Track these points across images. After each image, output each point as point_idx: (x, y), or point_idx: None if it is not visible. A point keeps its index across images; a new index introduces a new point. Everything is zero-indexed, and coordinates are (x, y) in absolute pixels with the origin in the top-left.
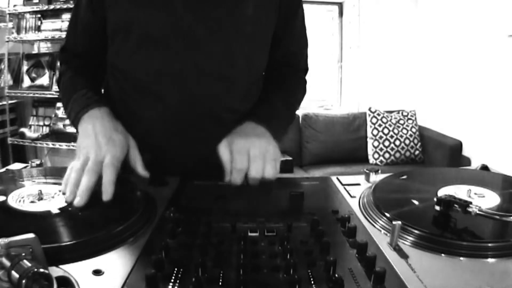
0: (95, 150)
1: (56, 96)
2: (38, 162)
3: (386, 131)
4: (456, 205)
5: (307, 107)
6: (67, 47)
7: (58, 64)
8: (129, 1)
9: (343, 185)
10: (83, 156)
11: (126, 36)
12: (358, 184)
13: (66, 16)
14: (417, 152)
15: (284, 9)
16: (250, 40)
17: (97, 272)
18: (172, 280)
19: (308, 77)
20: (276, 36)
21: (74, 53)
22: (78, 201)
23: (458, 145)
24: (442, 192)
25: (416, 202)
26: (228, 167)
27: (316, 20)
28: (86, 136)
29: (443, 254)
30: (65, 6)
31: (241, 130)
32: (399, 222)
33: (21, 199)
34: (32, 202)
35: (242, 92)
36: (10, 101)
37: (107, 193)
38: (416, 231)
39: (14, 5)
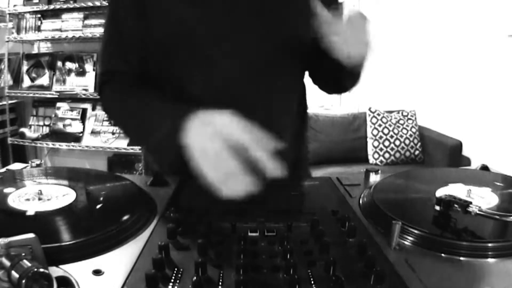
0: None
1: (56, 96)
2: (38, 162)
3: (386, 131)
4: (456, 205)
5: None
6: (110, 69)
7: (99, 92)
8: (177, 5)
9: (343, 185)
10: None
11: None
12: (358, 184)
13: (66, 16)
14: (417, 152)
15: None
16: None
17: (97, 272)
18: (172, 280)
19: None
20: None
21: (119, 72)
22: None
23: (458, 145)
24: (442, 192)
25: (416, 202)
26: None
27: None
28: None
29: (443, 254)
30: (65, 6)
31: None
32: (399, 222)
33: (21, 199)
34: (32, 202)
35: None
36: (10, 101)
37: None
38: (416, 231)
39: (14, 5)
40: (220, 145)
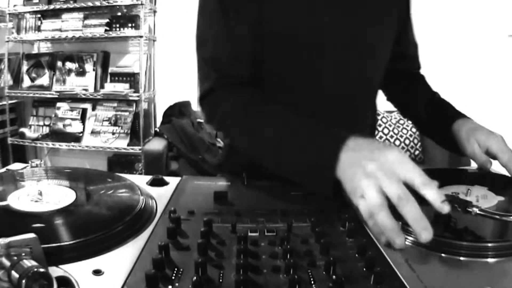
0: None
1: (56, 96)
2: (38, 162)
3: (386, 131)
4: (456, 205)
5: None
6: (227, 72)
7: (207, 95)
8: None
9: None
10: (370, 189)
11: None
12: None
13: (66, 16)
14: (417, 152)
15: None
16: (388, 40)
17: (97, 272)
18: (172, 280)
19: None
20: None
21: (236, 77)
22: (427, 235)
23: None
24: (442, 192)
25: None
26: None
27: None
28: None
29: (443, 254)
30: (65, 6)
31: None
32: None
33: (21, 199)
34: (32, 202)
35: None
36: (10, 101)
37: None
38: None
39: (14, 5)
40: (380, 196)
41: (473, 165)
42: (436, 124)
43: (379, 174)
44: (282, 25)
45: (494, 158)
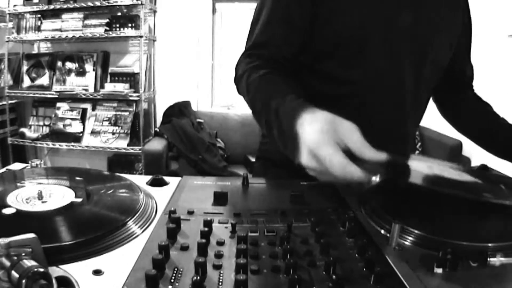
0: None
1: (56, 96)
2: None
3: None
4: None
5: None
6: (269, 44)
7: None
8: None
9: (343, 185)
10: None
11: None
12: (359, 184)
13: (66, 16)
14: (417, 152)
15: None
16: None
17: (97, 272)
18: (172, 280)
19: None
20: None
21: (279, 57)
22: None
23: (458, 145)
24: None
25: (416, 202)
26: None
27: None
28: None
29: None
30: (65, 6)
31: None
32: (399, 222)
33: (21, 199)
34: (32, 202)
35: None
36: (10, 101)
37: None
38: (416, 231)
39: (14, 5)
40: (333, 152)
41: (473, 165)
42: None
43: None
44: (355, 24)
45: None
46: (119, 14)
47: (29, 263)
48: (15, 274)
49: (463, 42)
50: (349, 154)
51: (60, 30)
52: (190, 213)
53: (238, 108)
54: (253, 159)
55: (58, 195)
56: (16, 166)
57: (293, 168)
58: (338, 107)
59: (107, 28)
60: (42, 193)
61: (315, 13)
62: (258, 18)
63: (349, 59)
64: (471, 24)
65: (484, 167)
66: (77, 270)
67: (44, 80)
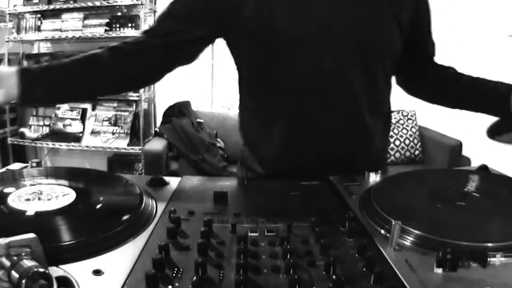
0: None
1: None
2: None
3: None
4: None
5: None
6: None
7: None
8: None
9: (343, 185)
10: None
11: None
12: (358, 184)
13: (66, 16)
14: (417, 152)
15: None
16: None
17: (97, 272)
18: (172, 280)
19: None
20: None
21: (158, 33)
22: None
23: (458, 145)
24: None
25: (416, 202)
26: None
27: None
28: None
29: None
30: (65, 6)
31: None
32: (399, 222)
33: (21, 199)
34: (32, 202)
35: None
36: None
37: None
38: (416, 231)
39: (14, 5)
40: None
41: (473, 165)
42: (491, 98)
43: None
44: (293, 33)
45: None
46: (119, 14)
47: (29, 263)
48: (15, 274)
49: (420, 23)
50: None
51: (60, 30)
52: (190, 213)
53: None
54: None
55: (58, 195)
56: (16, 166)
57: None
58: (294, 98)
59: (107, 28)
60: (42, 193)
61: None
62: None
63: (297, 70)
64: (427, 3)
65: (484, 167)
66: (77, 270)
67: None
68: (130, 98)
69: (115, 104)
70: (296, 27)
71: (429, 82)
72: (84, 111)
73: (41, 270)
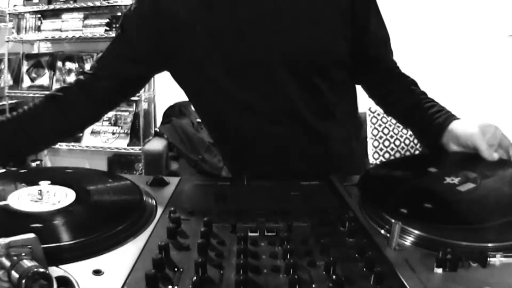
0: None
1: None
2: (38, 162)
3: (386, 131)
4: None
5: None
6: (93, 67)
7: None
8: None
9: (343, 185)
10: None
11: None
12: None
13: (66, 16)
14: (417, 152)
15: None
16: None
17: (97, 272)
18: (172, 280)
19: None
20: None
21: (95, 74)
22: None
23: None
24: None
25: (415, 202)
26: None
27: None
28: None
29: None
30: (65, 6)
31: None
32: (399, 222)
33: (21, 199)
34: (32, 202)
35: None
36: (10, 101)
37: None
38: (416, 231)
39: (14, 5)
40: None
41: None
42: (427, 126)
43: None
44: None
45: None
46: (119, 14)
47: (29, 263)
48: (15, 274)
49: (372, 29)
50: None
51: (60, 30)
52: (190, 213)
53: None
54: None
55: (58, 195)
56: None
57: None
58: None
59: (107, 28)
60: (42, 193)
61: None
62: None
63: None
64: (371, 6)
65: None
66: (77, 270)
67: (44, 80)
68: (130, 98)
69: None
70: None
71: (378, 89)
72: None
73: (41, 270)
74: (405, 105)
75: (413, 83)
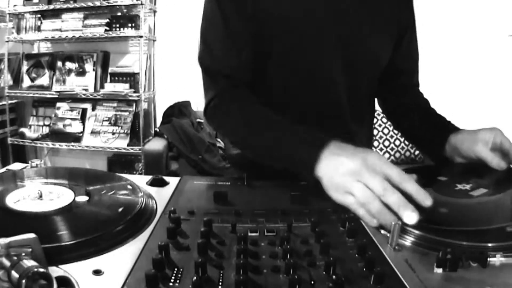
0: (365, 168)
1: (56, 96)
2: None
3: (386, 131)
4: None
5: None
6: (226, 76)
7: (206, 90)
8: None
9: None
10: (357, 185)
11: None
12: None
13: (66, 16)
14: (417, 152)
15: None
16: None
17: (97, 272)
18: (172, 280)
19: None
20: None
21: (224, 75)
22: (412, 218)
23: None
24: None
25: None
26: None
27: None
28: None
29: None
30: (65, 6)
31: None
32: (399, 222)
33: (21, 199)
34: (32, 202)
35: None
36: (10, 101)
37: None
38: (416, 231)
39: (14, 5)
40: (368, 190)
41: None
42: (430, 138)
43: (363, 172)
44: (278, 15)
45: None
46: (119, 14)
47: (29, 263)
48: (15, 274)
49: (404, 43)
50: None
51: (60, 30)
52: (190, 213)
53: None
54: None
55: (58, 195)
56: (16, 166)
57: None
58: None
59: (107, 28)
60: (42, 193)
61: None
62: (207, 43)
63: (283, 59)
64: (415, 23)
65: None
66: (77, 270)
67: (44, 80)
68: (130, 98)
69: (115, 104)
70: (282, 10)
71: (390, 101)
72: (84, 111)
73: (41, 270)
74: (409, 120)
75: (425, 101)
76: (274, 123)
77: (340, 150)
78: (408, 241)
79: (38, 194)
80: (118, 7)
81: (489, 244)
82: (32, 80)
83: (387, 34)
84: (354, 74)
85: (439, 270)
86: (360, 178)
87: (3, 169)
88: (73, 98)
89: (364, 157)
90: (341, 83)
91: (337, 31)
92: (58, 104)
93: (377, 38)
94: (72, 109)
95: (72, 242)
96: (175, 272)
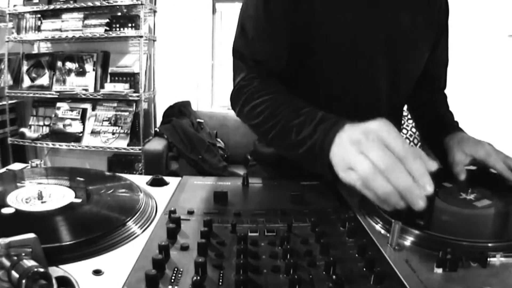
0: (365, 136)
1: (56, 96)
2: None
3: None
4: None
5: None
6: (260, 61)
7: (236, 75)
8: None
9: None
10: (359, 157)
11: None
12: None
13: (66, 16)
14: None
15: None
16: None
17: (97, 272)
18: (172, 280)
19: None
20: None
21: (256, 60)
22: (421, 204)
23: None
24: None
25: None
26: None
27: None
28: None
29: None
30: (65, 6)
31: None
32: (399, 222)
33: (21, 199)
34: (32, 202)
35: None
36: (10, 101)
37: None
38: (416, 231)
39: (14, 5)
40: (371, 167)
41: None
42: (434, 137)
43: (363, 140)
44: (330, 14)
45: (484, 164)
46: (119, 14)
47: (29, 263)
48: (15, 274)
49: (439, 48)
50: None
51: (60, 30)
52: (190, 213)
53: None
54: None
55: (58, 195)
56: (16, 166)
57: (287, 169)
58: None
59: (107, 28)
60: (42, 193)
61: (308, 17)
62: (244, 28)
63: (329, 58)
64: (448, 29)
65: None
66: (77, 270)
67: (44, 80)
68: (130, 98)
69: (115, 104)
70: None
71: (413, 101)
72: (84, 111)
73: (41, 270)
74: (424, 120)
75: (444, 106)
76: (300, 108)
77: (353, 126)
78: (408, 241)
79: (38, 194)
80: (118, 7)
81: (489, 244)
82: (32, 80)
83: (428, 39)
84: (397, 80)
85: (439, 270)
86: (360, 148)
87: (3, 169)
88: (73, 98)
89: (367, 125)
90: (383, 88)
91: (385, 36)
92: (58, 104)
93: (420, 43)
94: (72, 109)
95: (72, 242)
96: (175, 272)
